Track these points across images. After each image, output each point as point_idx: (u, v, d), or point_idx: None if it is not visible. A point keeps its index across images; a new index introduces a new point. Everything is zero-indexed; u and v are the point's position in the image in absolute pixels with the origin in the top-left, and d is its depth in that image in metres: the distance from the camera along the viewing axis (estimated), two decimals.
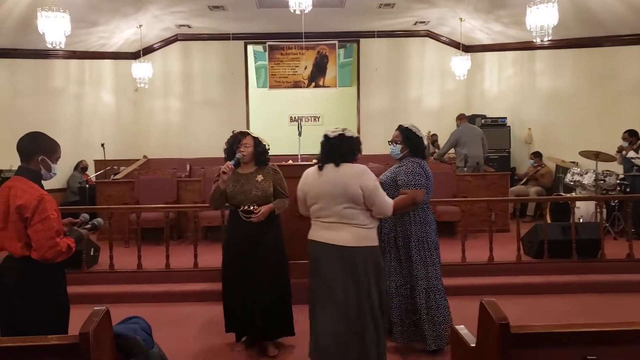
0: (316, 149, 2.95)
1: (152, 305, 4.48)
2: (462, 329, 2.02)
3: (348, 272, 2.73)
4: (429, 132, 8.78)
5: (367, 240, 2.79)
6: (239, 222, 3.34)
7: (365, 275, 2.74)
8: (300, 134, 5.06)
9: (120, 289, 4.62)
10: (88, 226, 2.73)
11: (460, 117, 8.05)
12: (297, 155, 4.86)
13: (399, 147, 3.37)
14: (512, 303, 3.69)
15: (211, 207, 3.61)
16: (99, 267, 5.14)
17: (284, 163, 4.64)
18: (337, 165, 2.81)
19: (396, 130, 3.42)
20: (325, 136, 2.90)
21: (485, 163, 8.06)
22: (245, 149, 3.37)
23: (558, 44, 8.86)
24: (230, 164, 3.30)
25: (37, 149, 2.53)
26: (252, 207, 3.28)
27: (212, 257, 5.14)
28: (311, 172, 2.94)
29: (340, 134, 2.86)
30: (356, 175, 2.77)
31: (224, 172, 3.27)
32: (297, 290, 3.51)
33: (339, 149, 2.83)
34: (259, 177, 3.37)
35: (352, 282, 2.73)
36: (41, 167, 2.53)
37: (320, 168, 2.87)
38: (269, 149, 3.48)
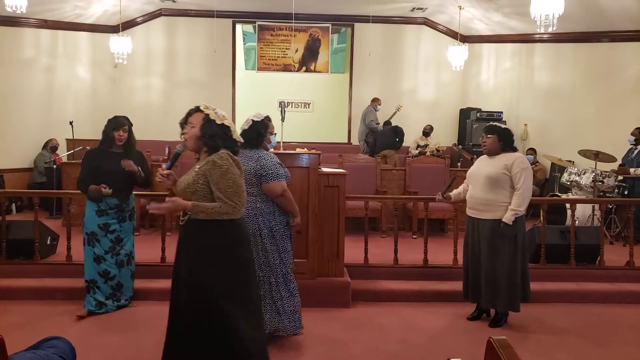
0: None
1: None
2: None
3: None
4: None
5: None
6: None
7: None
8: (283, 119, 4.59)
9: (77, 284, 4.06)
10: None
11: (374, 100, 8.99)
12: (280, 142, 4.42)
13: None
14: None
15: None
16: (56, 257, 4.63)
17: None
18: None
19: None
20: None
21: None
22: (189, 130, 2.49)
23: (558, 38, 8.55)
24: (164, 167, 2.56)
25: None
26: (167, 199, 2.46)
27: None
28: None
29: None
30: None
31: (159, 180, 2.54)
32: None
33: None
34: (196, 166, 2.48)
35: None
36: None
37: None
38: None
